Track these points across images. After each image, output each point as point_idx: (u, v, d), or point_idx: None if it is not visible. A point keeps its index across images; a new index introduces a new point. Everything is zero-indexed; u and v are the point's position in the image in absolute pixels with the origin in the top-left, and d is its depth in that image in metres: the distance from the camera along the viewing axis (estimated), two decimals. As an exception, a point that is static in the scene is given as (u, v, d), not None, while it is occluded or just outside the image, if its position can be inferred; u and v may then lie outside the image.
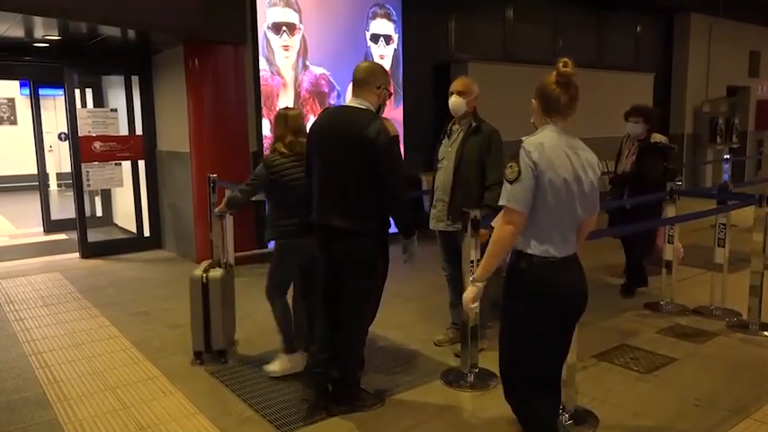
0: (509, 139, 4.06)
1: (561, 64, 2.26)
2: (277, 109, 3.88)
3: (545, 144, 2.21)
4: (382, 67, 3.24)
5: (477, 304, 2.42)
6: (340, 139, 3.02)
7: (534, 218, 2.22)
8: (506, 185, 2.22)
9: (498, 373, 3.64)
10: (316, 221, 3.18)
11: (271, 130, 6.56)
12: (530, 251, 2.25)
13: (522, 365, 2.37)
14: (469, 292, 2.39)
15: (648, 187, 4.88)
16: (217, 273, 3.89)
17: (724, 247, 4.69)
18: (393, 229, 3.21)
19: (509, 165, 2.23)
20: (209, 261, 4.11)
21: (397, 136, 3.06)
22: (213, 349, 3.92)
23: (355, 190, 3.02)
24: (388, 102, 3.28)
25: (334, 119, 3.15)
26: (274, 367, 3.69)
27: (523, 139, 2.28)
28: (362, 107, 3.07)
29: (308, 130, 3.39)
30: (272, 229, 3.62)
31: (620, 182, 5.22)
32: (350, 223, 3.01)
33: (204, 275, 3.84)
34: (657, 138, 5.07)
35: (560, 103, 2.26)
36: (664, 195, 4.76)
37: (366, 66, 3.18)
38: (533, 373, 2.36)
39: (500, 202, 2.25)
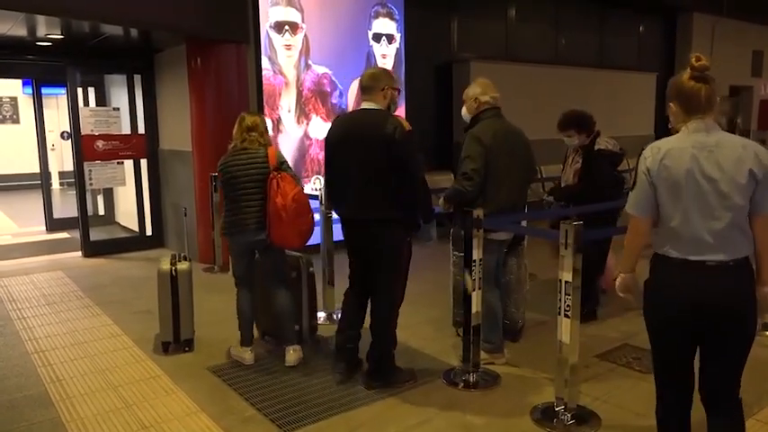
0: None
1: (694, 58, 2.18)
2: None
3: (663, 147, 2.17)
4: (385, 69, 3.55)
5: (628, 295, 2.43)
6: (361, 138, 3.32)
7: (659, 220, 2.23)
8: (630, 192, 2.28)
9: (500, 375, 3.65)
10: (345, 216, 3.54)
11: (271, 129, 6.57)
12: (656, 250, 2.27)
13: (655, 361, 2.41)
14: (618, 281, 2.43)
15: (598, 197, 4.33)
16: (184, 266, 4.10)
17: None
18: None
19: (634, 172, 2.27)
20: (172, 254, 4.26)
21: (413, 131, 3.31)
22: (181, 339, 4.10)
23: (379, 183, 3.29)
24: (398, 99, 3.54)
25: (351, 123, 3.47)
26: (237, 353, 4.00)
27: (644, 147, 2.26)
28: (375, 107, 3.38)
29: (325, 138, 3.62)
30: (223, 224, 3.90)
31: (560, 197, 4.66)
32: (377, 213, 3.33)
33: (173, 269, 4.04)
34: (603, 143, 4.46)
35: (701, 100, 2.16)
36: (620, 204, 4.29)
37: (369, 72, 3.49)
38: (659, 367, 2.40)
39: (626, 208, 2.32)
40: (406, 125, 3.28)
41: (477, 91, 3.78)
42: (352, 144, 3.34)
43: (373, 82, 3.40)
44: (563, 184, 4.70)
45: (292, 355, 3.85)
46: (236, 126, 3.84)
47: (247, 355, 3.88)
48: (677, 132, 2.23)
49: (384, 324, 3.52)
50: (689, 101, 2.18)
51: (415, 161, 3.30)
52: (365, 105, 3.43)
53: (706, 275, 2.14)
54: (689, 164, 2.12)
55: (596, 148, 4.44)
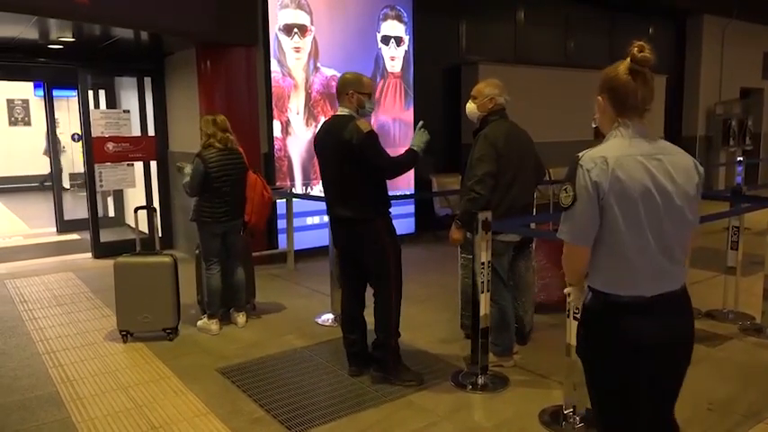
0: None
1: (636, 48, 1.82)
2: (210, 115, 4.62)
3: (609, 157, 1.77)
4: (353, 74, 3.67)
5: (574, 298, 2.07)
6: (328, 144, 3.57)
7: (607, 249, 1.81)
8: (562, 214, 1.84)
9: (509, 378, 3.65)
10: (329, 215, 3.71)
11: (280, 131, 6.58)
12: (600, 288, 1.86)
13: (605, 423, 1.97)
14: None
15: None
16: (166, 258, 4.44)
17: (737, 250, 4.66)
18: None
19: (563, 187, 1.82)
20: (139, 252, 4.64)
21: (371, 131, 3.43)
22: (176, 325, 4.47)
23: (347, 184, 3.50)
24: (367, 103, 3.63)
25: (325, 127, 3.69)
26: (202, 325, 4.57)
27: (580, 154, 1.83)
28: (343, 113, 3.56)
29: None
30: (194, 212, 4.50)
31: None
32: (350, 212, 3.50)
33: (173, 260, 4.40)
34: None
35: (637, 98, 1.82)
36: None
37: (340, 78, 3.67)
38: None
39: (558, 235, 1.87)
40: (365, 127, 3.39)
41: (495, 92, 3.74)
42: (322, 149, 3.63)
43: (341, 88, 3.58)
44: None
45: (242, 317, 4.65)
46: (208, 125, 4.40)
47: (215, 327, 4.49)
48: (601, 132, 1.93)
49: (383, 308, 3.60)
50: (621, 97, 1.85)
51: (379, 157, 3.42)
52: (338, 111, 3.62)
53: (672, 312, 1.85)
54: (643, 176, 1.77)
55: None
